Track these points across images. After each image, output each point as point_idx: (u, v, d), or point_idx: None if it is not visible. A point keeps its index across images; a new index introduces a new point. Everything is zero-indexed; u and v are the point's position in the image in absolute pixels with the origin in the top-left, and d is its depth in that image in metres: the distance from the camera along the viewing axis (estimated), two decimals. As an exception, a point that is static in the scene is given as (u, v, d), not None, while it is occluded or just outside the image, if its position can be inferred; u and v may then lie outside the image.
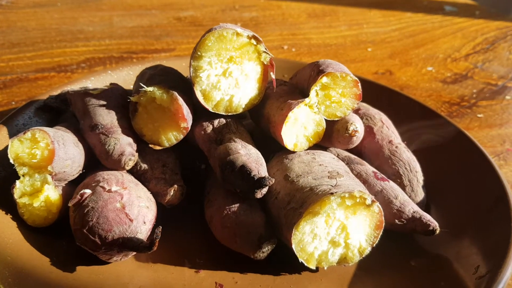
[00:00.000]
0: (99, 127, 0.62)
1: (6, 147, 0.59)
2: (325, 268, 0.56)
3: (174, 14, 1.56)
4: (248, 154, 0.59)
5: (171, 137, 0.63)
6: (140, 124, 0.64)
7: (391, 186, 0.63)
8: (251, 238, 0.56)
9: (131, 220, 0.53)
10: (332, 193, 0.52)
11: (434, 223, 0.59)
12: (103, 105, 0.65)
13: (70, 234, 0.56)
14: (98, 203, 0.54)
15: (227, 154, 0.59)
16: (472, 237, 0.60)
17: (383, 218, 0.55)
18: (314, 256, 0.55)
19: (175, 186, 0.61)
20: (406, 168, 0.67)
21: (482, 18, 1.73)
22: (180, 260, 0.59)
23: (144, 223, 0.55)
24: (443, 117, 0.80)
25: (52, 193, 0.58)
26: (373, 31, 1.54)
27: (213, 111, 0.64)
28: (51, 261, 0.55)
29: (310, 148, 0.64)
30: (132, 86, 0.81)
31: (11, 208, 0.58)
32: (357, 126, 0.64)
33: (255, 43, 0.62)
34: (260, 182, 0.55)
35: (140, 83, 0.65)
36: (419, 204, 0.65)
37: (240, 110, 0.65)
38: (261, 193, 0.57)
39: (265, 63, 0.63)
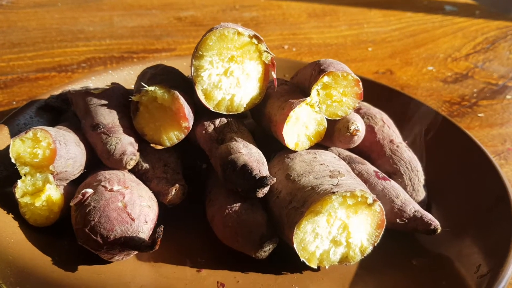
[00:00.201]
0: (101, 127, 0.62)
1: (8, 147, 0.59)
2: (327, 267, 0.56)
3: (175, 14, 1.56)
4: (249, 154, 0.59)
5: (172, 137, 0.63)
6: (141, 123, 0.64)
7: (392, 186, 0.63)
8: (253, 237, 0.56)
9: (133, 220, 0.54)
10: (333, 192, 0.53)
11: (436, 222, 0.59)
12: (105, 105, 0.65)
13: (71, 234, 0.56)
14: (100, 202, 0.54)
15: (229, 154, 0.59)
16: (473, 236, 0.60)
17: (385, 217, 0.55)
18: (316, 255, 0.55)
19: (177, 185, 0.61)
20: (407, 168, 0.67)
21: (482, 17, 1.73)
22: (181, 259, 0.59)
23: (146, 222, 0.55)
24: (444, 117, 0.80)
25: (53, 193, 0.58)
26: (373, 31, 1.54)
27: (214, 111, 0.64)
28: (52, 260, 0.55)
29: (311, 147, 0.64)
30: (133, 86, 0.81)
31: (13, 207, 0.58)
32: (359, 126, 0.64)
33: (256, 42, 0.62)
34: (262, 181, 0.55)
35: (142, 83, 0.65)
36: (420, 204, 0.65)
37: (241, 110, 0.65)
38: (262, 192, 0.57)
39: (266, 62, 0.63)
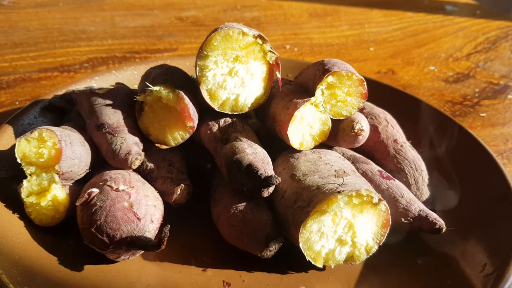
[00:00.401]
0: (106, 127, 0.62)
1: (13, 146, 0.59)
2: (332, 266, 0.56)
3: (176, 14, 1.56)
4: (254, 153, 0.59)
5: (177, 136, 0.63)
6: (146, 123, 0.64)
7: (397, 185, 0.63)
8: (258, 237, 0.56)
9: (139, 219, 0.54)
10: (339, 192, 0.53)
11: (440, 222, 0.59)
12: (109, 105, 0.65)
13: (77, 233, 0.56)
14: (106, 202, 0.54)
15: (234, 153, 0.59)
16: (478, 235, 0.60)
17: (390, 216, 0.56)
18: (321, 254, 0.55)
19: (182, 185, 0.61)
20: (411, 167, 0.67)
21: (483, 17, 1.73)
22: (187, 258, 0.59)
23: (152, 222, 0.55)
24: (447, 116, 0.80)
25: (59, 192, 0.58)
26: (374, 31, 1.55)
27: (219, 111, 0.64)
28: (58, 260, 0.55)
29: (315, 147, 0.65)
30: (136, 86, 0.81)
31: (19, 207, 0.58)
32: (363, 125, 0.64)
33: (260, 42, 0.62)
34: (267, 181, 0.55)
35: (146, 83, 0.66)
36: (425, 203, 0.65)
37: (246, 109, 0.65)
38: (267, 192, 0.57)
39: (271, 62, 0.63)
